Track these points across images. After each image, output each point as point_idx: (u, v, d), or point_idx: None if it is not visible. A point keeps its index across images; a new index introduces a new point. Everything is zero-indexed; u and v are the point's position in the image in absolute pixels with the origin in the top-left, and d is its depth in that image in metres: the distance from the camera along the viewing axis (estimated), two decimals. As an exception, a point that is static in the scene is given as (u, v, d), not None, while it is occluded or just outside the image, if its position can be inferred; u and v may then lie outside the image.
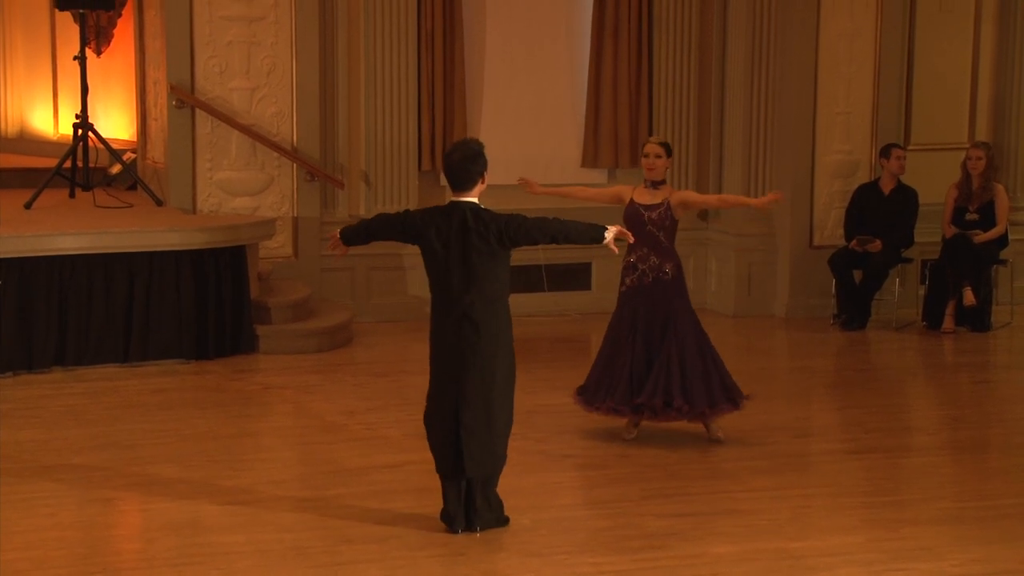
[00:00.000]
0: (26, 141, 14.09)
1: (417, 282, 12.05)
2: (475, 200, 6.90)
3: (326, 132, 11.85)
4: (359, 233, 7.23)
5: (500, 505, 7.12)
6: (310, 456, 8.41)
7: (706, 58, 12.72)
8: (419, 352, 11.28)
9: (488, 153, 13.07)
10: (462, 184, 6.90)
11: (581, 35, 12.67)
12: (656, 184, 8.54)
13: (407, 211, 7.13)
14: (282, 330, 10.81)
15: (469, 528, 6.98)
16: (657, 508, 7.42)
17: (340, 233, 7.27)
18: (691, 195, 9.09)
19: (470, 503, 6.99)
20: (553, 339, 11.63)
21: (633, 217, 8.46)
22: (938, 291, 11.95)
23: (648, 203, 8.50)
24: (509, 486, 7.62)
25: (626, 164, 12.70)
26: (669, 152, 8.60)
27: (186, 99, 11.34)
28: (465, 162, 6.87)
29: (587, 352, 10.22)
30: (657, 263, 8.46)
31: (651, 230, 8.45)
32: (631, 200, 8.57)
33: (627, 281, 8.54)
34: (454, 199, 6.92)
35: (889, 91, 12.46)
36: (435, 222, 6.90)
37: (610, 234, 7.01)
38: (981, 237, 11.86)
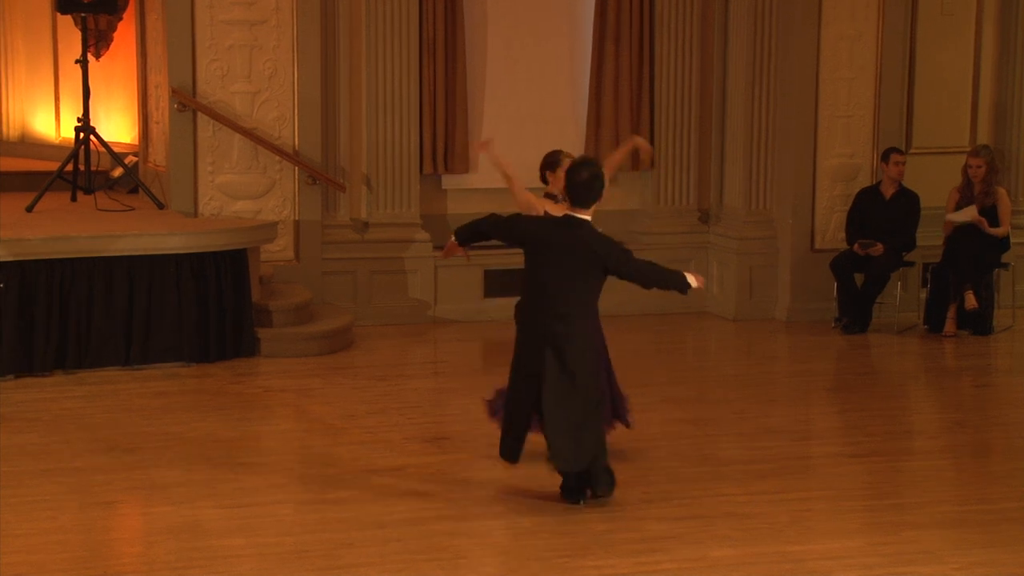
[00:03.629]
0: (28, 144, 14.10)
1: (418, 286, 12.07)
2: (589, 219, 7.30)
3: (327, 136, 11.85)
4: (472, 233, 7.65)
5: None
6: (311, 459, 8.41)
7: (707, 62, 12.73)
8: (420, 356, 11.40)
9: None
10: (584, 201, 7.27)
11: (582, 40, 12.68)
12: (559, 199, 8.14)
13: (518, 216, 7.58)
14: (283, 333, 10.81)
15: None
16: (657, 511, 7.42)
17: (455, 235, 7.67)
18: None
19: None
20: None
21: None
22: (940, 295, 11.94)
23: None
24: (511, 489, 7.64)
25: (627, 167, 12.69)
26: None
27: (188, 103, 11.35)
28: (593, 181, 7.24)
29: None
30: None
31: None
32: (546, 214, 8.09)
33: None
34: (571, 214, 7.29)
35: (890, 94, 12.46)
36: (550, 232, 7.32)
37: (693, 281, 7.46)
38: (991, 229, 11.80)
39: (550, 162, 8.36)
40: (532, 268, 7.39)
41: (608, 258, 7.28)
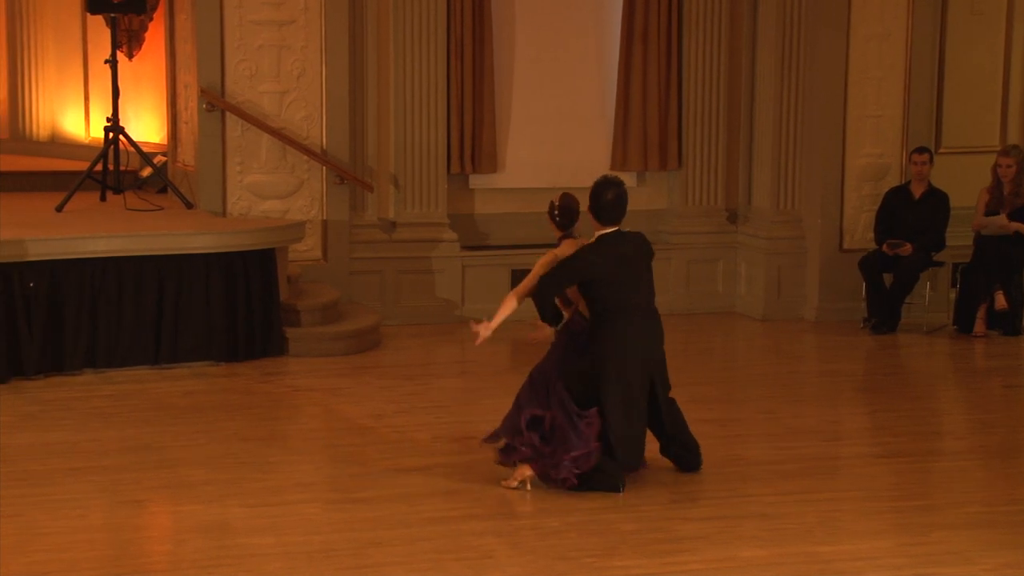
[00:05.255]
0: (57, 144, 14.17)
1: (445, 286, 12.07)
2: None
3: (355, 135, 11.87)
4: (553, 308, 7.82)
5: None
6: (338, 459, 8.42)
7: (736, 61, 12.71)
8: (447, 355, 11.41)
9: (517, 156, 13.21)
10: (615, 220, 7.69)
11: (610, 39, 12.67)
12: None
13: (579, 263, 7.64)
14: (311, 333, 10.83)
15: None
16: (685, 512, 7.41)
17: (546, 319, 7.79)
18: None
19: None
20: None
21: None
22: (969, 295, 11.89)
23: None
24: (538, 489, 7.63)
25: (655, 167, 12.69)
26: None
27: (216, 102, 11.38)
28: (619, 200, 7.66)
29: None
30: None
31: None
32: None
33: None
34: (619, 230, 7.71)
35: (920, 94, 12.41)
36: (614, 254, 7.66)
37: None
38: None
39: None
40: (611, 285, 7.63)
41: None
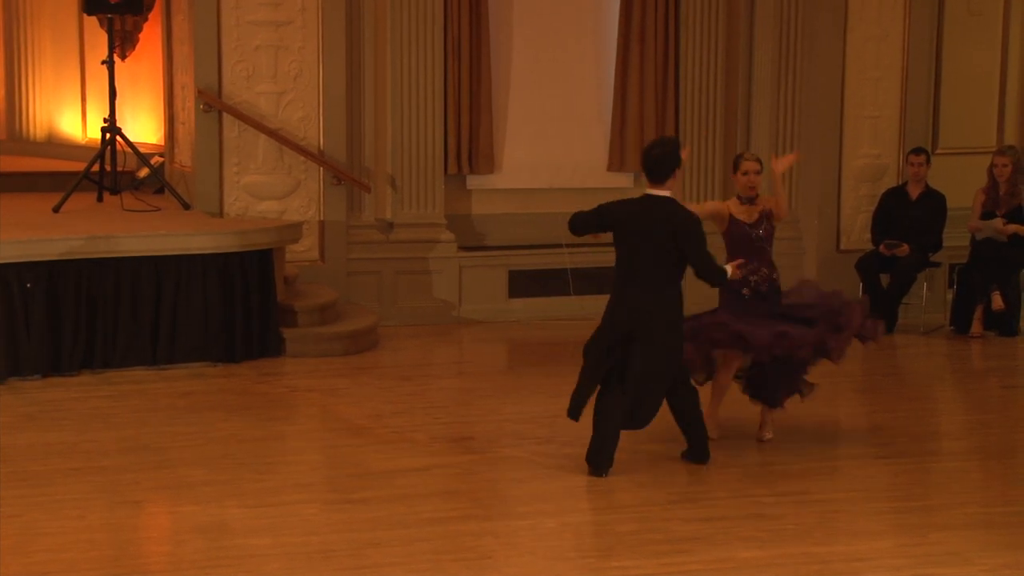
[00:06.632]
0: (54, 145, 14.16)
1: (442, 286, 12.07)
2: (669, 194, 7.72)
3: (352, 136, 11.87)
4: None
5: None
6: (336, 459, 8.42)
7: (733, 62, 12.71)
8: (444, 356, 11.41)
9: (515, 157, 13.19)
10: (658, 177, 7.68)
11: (607, 39, 12.68)
12: (752, 200, 8.66)
13: (603, 206, 7.87)
14: (308, 333, 10.83)
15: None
16: (683, 512, 7.41)
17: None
18: (778, 203, 8.81)
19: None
20: (579, 343, 11.59)
21: (741, 236, 8.62)
22: (966, 295, 11.90)
23: (750, 220, 8.64)
24: (536, 490, 7.65)
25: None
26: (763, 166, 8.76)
27: (213, 103, 11.38)
28: (662, 158, 7.68)
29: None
30: (767, 273, 8.63)
31: (761, 245, 8.66)
32: (731, 218, 8.65)
33: (743, 292, 8.58)
34: (650, 192, 7.72)
35: (917, 94, 12.43)
36: (632, 213, 7.70)
37: (730, 270, 8.02)
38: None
39: (734, 164, 8.73)
40: (622, 248, 7.77)
41: (678, 233, 7.66)
